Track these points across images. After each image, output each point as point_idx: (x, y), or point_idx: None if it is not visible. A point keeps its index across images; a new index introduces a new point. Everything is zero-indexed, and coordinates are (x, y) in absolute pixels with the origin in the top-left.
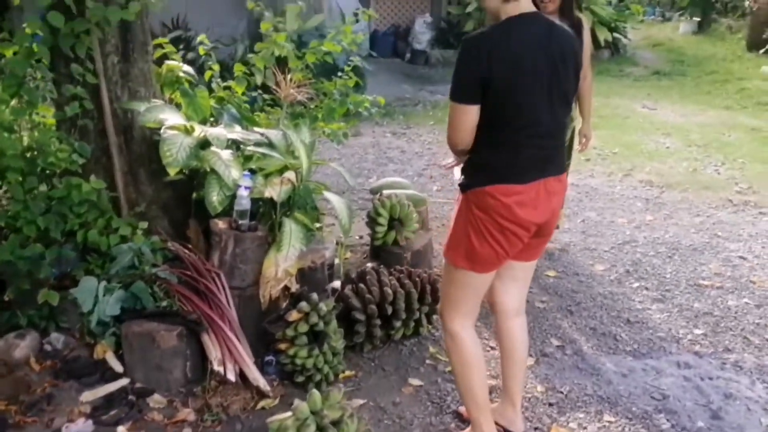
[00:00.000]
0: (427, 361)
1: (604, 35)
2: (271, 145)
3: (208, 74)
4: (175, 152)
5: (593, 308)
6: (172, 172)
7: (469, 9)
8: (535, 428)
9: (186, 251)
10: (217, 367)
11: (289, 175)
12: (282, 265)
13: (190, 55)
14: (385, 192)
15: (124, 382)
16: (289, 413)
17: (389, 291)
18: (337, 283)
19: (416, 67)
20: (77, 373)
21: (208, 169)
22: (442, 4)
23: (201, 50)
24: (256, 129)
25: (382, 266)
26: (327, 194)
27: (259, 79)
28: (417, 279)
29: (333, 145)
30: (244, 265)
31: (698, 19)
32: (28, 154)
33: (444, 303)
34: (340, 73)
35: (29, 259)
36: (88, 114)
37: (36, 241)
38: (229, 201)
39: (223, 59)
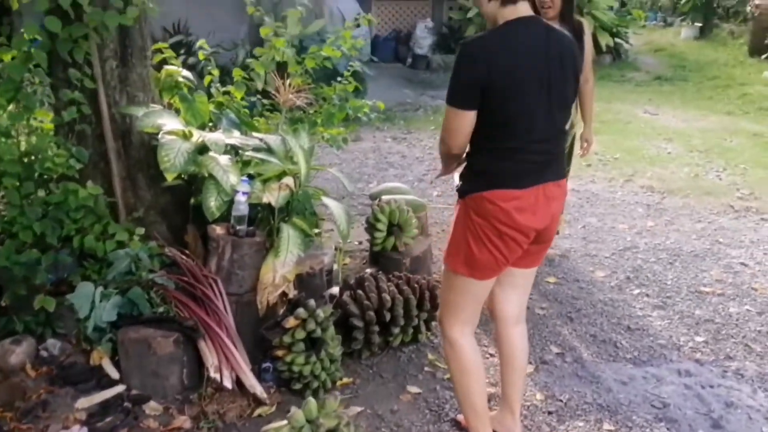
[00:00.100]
0: (426, 368)
1: (605, 40)
2: (269, 150)
3: (207, 79)
4: (173, 157)
5: (593, 315)
6: (169, 177)
7: (471, 14)
8: None
9: (183, 257)
10: (214, 374)
11: (287, 180)
12: (280, 271)
13: (191, 60)
14: (384, 197)
15: (120, 388)
16: (285, 422)
17: (387, 297)
18: (335, 289)
19: (417, 72)
20: (73, 380)
21: (206, 175)
22: (443, 9)
23: (201, 55)
24: (254, 134)
25: (380, 272)
26: (325, 200)
27: (259, 85)
28: (416, 285)
29: (333, 150)
30: (241, 271)
31: (700, 25)
32: (26, 159)
33: (443, 310)
34: (339, 78)
35: (25, 265)
36: (86, 119)
37: (32, 246)
38: (227, 206)
39: (224, 64)
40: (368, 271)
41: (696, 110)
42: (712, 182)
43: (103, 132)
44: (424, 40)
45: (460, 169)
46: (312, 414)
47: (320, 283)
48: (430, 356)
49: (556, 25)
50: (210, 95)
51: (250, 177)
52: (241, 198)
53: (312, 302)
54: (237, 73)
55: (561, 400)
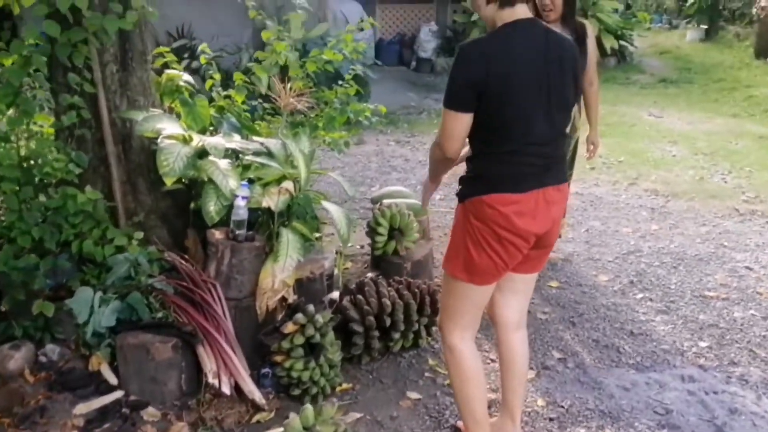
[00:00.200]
0: (426, 374)
1: (610, 43)
2: (270, 154)
3: (209, 83)
4: (172, 162)
5: (596, 320)
6: (168, 182)
7: (475, 17)
8: None
9: (182, 261)
10: (212, 380)
11: (287, 184)
12: (279, 275)
13: (195, 64)
14: (386, 201)
15: (118, 394)
16: (281, 429)
17: (388, 302)
18: (335, 294)
19: (421, 76)
20: (72, 385)
21: (206, 179)
22: (447, 12)
23: (202, 59)
24: (255, 138)
25: (380, 277)
26: (325, 204)
27: (263, 88)
28: (416, 290)
29: (336, 153)
30: (240, 275)
31: (705, 27)
32: (25, 164)
33: (443, 315)
34: (340, 82)
35: (24, 270)
36: (85, 123)
37: (31, 251)
38: (227, 211)
39: (228, 68)
40: (369, 275)
41: (701, 113)
42: (717, 185)
43: (103, 136)
44: (428, 43)
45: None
46: (309, 421)
47: (321, 288)
48: (430, 361)
49: (558, 28)
50: (211, 99)
51: (250, 181)
52: (240, 202)
53: (311, 307)
54: (238, 77)
55: (562, 407)
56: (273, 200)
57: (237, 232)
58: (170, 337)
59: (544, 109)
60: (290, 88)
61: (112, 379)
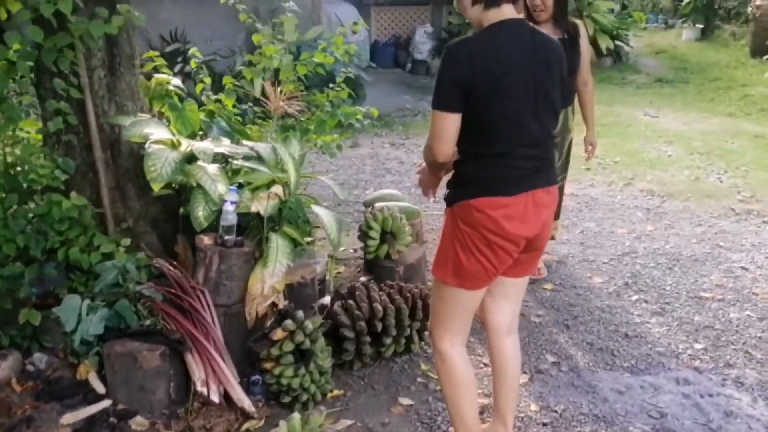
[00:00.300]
0: (419, 379)
1: (605, 43)
2: (259, 158)
3: (199, 87)
4: (160, 167)
5: (590, 322)
6: (156, 187)
7: None
8: None
9: (171, 268)
10: (201, 388)
11: (276, 189)
12: (268, 281)
13: (188, 68)
14: (377, 205)
15: (106, 403)
16: None
17: (379, 307)
18: (326, 299)
19: (417, 78)
20: (59, 395)
21: (194, 184)
22: (442, 14)
23: (193, 63)
24: (244, 142)
25: (372, 281)
26: (315, 208)
27: (257, 91)
28: (408, 294)
29: (336, 155)
30: (229, 281)
31: (701, 26)
32: (11, 171)
33: (433, 321)
34: (331, 85)
35: (9, 278)
36: (73, 129)
37: (16, 259)
38: (216, 216)
39: (222, 71)
40: (362, 279)
41: (697, 112)
42: (712, 185)
43: (91, 142)
44: (423, 45)
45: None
46: (296, 429)
47: (312, 293)
48: (423, 366)
49: (550, 28)
50: (202, 104)
51: (240, 186)
52: (229, 207)
53: (300, 313)
54: (227, 81)
55: (556, 411)
56: (262, 205)
57: (226, 237)
58: (158, 344)
59: (531, 110)
60: (281, 92)
61: (100, 388)
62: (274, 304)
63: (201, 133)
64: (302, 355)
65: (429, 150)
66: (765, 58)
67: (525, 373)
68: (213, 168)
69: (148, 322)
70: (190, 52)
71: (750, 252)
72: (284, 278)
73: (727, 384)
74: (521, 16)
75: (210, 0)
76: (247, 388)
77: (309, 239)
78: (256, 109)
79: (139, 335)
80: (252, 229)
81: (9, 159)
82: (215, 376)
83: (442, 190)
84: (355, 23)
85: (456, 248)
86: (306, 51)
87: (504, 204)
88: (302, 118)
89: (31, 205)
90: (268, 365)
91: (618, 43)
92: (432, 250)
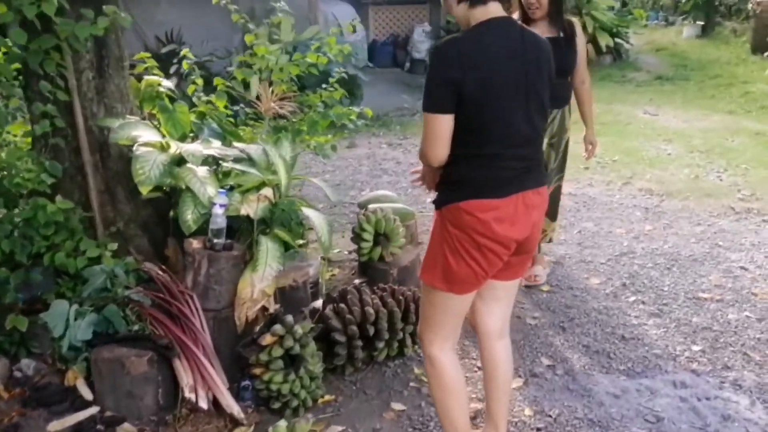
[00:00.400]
0: (411, 384)
1: (605, 41)
2: (250, 160)
3: (191, 89)
4: (148, 170)
5: (587, 324)
6: (144, 190)
7: None
8: None
9: (159, 272)
10: (189, 394)
11: (266, 191)
12: (258, 285)
13: (184, 70)
14: (371, 206)
15: (93, 410)
16: None
17: (371, 311)
18: (318, 303)
19: (416, 77)
20: (47, 401)
21: (183, 187)
22: (441, 13)
23: (185, 65)
24: (235, 144)
25: (364, 284)
26: (306, 210)
27: (253, 92)
28: (401, 297)
29: (330, 156)
30: (218, 286)
31: (702, 23)
32: None
33: (422, 325)
34: (324, 85)
35: None
36: (61, 132)
37: (3, 264)
38: (205, 219)
39: (218, 72)
40: (356, 281)
41: (697, 110)
42: (712, 183)
43: (79, 145)
44: (422, 44)
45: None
46: None
47: (304, 296)
48: (416, 370)
49: (545, 26)
50: (195, 105)
51: (230, 189)
52: (218, 210)
53: (290, 318)
54: (218, 82)
55: (550, 416)
56: (252, 208)
57: (215, 240)
58: (146, 350)
59: (522, 109)
60: (272, 92)
61: (88, 395)
62: (264, 308)
63: (192, 135)
64: (292, 360)
65: (423, 155)
66: (766, 54)
67: (520, 376)
68: (202, 170)
69: (136, 328)
70: (181, 53)
71: (749, 251)
72: (275, 282)
73: (725, 387)
74: (515, 14)
75: (206, 1)
76: (237, 393)
77: (302, 242)
78: (248, 110)
79: (128, 341)
80: (242, 232)
81: None
82: (204, 382)
83: None
84: (352, 22)
85: (445, 252)
86: (302, 51)
87: (494, 206)
88: (294, 119)
89: (18, 209)
90: (257, 371)
91: (618, 40)
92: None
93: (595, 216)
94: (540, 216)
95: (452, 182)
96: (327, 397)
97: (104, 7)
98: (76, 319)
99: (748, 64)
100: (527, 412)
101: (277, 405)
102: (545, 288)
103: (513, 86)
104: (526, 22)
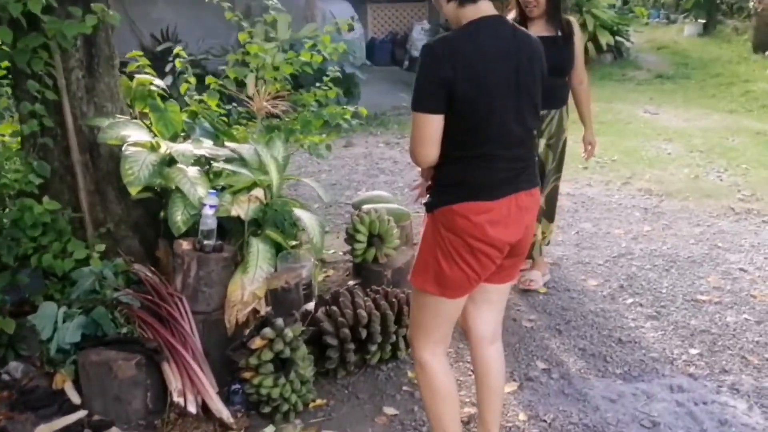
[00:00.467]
0: (404, 388)
1: (606, 39)
2: (242, 160)
3: (183, 87)
4: (137, 170)
5: (583, 327)
6: (133, 191)
7: None
8: None
9: (148, 274)
10: (177, 398)
11: (257, 192)
12: (248, 287)
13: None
14: (365, 207)
15: (81, 414)
16: None
17: (363, 313)
18: (311, 305)
19: (414, 75)
20: (34, 405)
21: (174, 188)
22: None
23: (178, 63)
24: (227, 144)
25: (357, 287)
26: (297, 211)
27: (250, 91)
28: (394, 300)
29: (321, 157)
30: (208, 288)
31: (703, 21)
32: None
33: (413, 330)
34: (318, 84)
35: None
36: (50, 132)
37: None
38: (195, 220)
39: (214, 70)
40: (350, 283)
41: (698, 109)
42: (712, 183)
43: (68, 144)
44: (420, 42)
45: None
46: None
47: (297, 298)
48: (409, 374)
49: (542, 25)
50: (186, 104)
51: (222, 189)
52: (208, 211)
53: (280, 321)
54: (210, 81)
55: (545, 421)
56: (242, 208)
57: (205, 242)
58: (134, 353)
59: (515, 109)
60: (265, 91)
61: (76, 398)
62: (255, 311)
63: (183, 134)
64: (283, 364)
65: (412, 156)
66: (767, 53)
67: (515, 380)
68: (193, 171)
69: (125, 330)
70: (174, 51)
71: (749, 253)
72: (266, 284)
73: (723, 391)
74: (513, 12)
75: None
76: (227, 397)
77: (295, 243)
78: (241, 109)
79: (116, 344)
80: (234, 233)
81: None
82: (193, 385)
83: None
84: (349, 21)
85: (437, 255)
86: (301, 50)
87: (488, 208)
88: (287, 119)
89: (6, 210)
90: (246, 375)
91: (618, 38)
92: None
93: (593, 216)
94: (532, 218)
95: (444, 184)
96: (318, 402)
97: (92, 5)
98: (64, 322)
99: (750, 63)
100: (521, 417)
101: (267, 409)
102: (542, 290)
103: (505, 85)
104: (523, 21)
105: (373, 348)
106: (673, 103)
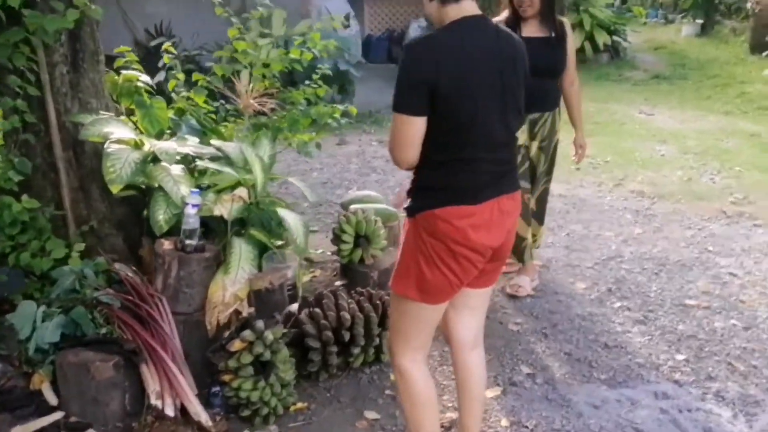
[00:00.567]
0: (387, 392)
1: (603, 38)
2: (227, 159)
3: (172, 84)
4: (119, 168)
5: (570, 331)
6: (114, 189)
7: None
8: None
9: (129, 273)
10: (155, 401)
11: (240, 191)
12: (230, 289)
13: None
14: (352, 207)
15: (58, 415)
16: None
17: (347, 316)
18: (294, 306)
19: None
20: (11, 405)
21: (156, 186)
22: None
23: (166, 59)
24: (212, 142)
25: (341, 288)
26: (281, 211)
27: (241, 86)
28: (378, 302)
29: (312, 155)
30: (189, 288)
31: (701, 21)
32: None
33: (393, 336)
34: (308, 81)
35: None
36: (32, 128)
37: None
38: (177, 219)
39: (209, 65)
40: (336, 284)
41: (693, 110)
42: (705, 186)
43: (51, 141)
44: None
45: None
46: None
47: (281, 299)
48: (392, 377)
49: (536, 26)
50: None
51: (207, 188)
52: (190, 211)
53: (261, 323)
54: (197, 77)
55: (527, 427)
56: (226, 208)
57: (187, 242)
58: (112, 354)
59: (499, 111)
60: (252, 88)
61: (53, 400)
62: (237, 312)
63: (169, 131)
64: (263, 367)
65: (392, 158)
66: (764, 54)
67: (498, 385)
68: (177, 169)
69: (104, 331)
70: (163, 47)
71: (739, 257)
72: (249, 284)
73: (708, 398)
74: (505, 12)
75: None
76: (207, 400)
77: (280, 243)
78: (229, 106)
79: (95, 344)
80: (217, 233)
81: None
82: (171, 388)
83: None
84: (345, 18)
85: (419, 261)
86: (291, 46)
87: (470, 213)
88: (276, 117)
89: None
90: (226, 377)
91: (615, 38)
92: None
93: (584, 218)
94: (513, 222)
95: (426, 188)
96: (299, 405)
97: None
98: (43, 321)
99: (747, 64)
100: (503, 422)
101: (246, 413)
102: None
103: (489, 86)
104: (516, 21)
105: (356, 351)
106: (668, 104)
